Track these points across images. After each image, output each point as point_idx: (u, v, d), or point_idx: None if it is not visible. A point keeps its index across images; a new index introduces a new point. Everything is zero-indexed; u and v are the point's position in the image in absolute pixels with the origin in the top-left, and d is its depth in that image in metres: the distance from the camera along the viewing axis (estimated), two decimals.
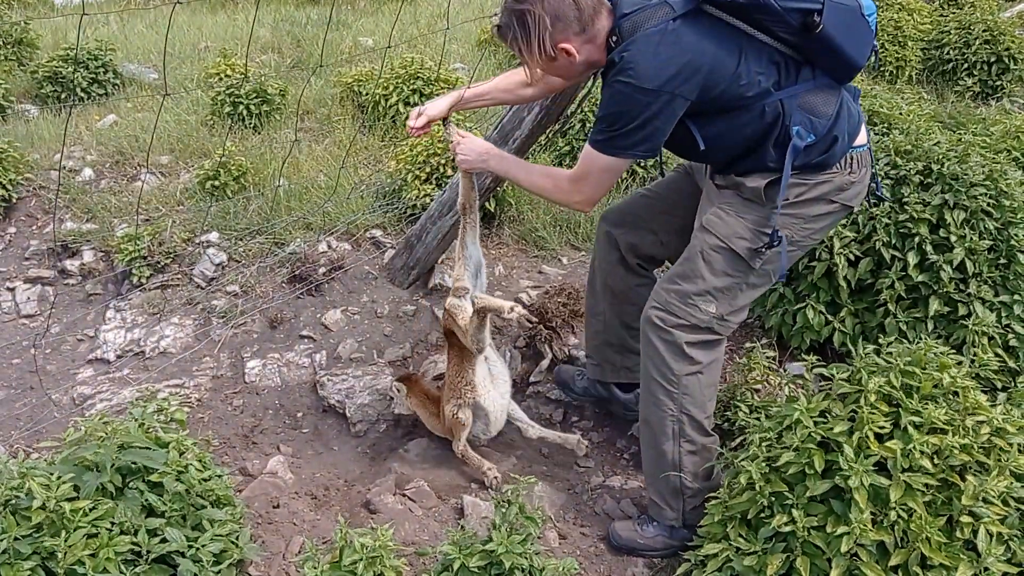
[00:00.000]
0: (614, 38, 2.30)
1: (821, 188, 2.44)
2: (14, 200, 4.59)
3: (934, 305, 3.11)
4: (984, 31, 6.29)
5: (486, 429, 3.10)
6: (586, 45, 2.34)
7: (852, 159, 2.45)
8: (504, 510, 2.22)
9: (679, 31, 2.22)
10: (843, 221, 3.28)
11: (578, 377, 3.28)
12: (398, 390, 3.25)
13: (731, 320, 2.54)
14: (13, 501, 2.01)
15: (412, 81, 5.24)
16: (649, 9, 2.27)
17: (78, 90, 5.83)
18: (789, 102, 2.32)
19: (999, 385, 2.99)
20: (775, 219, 2.40)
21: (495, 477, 3.00)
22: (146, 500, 2.12)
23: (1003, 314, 3.10)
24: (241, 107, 5.23)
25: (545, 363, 3.61)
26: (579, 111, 3.62)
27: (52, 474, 2.03)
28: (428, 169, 4.30)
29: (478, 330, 2.88)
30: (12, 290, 4.20)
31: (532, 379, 3.60)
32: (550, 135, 3.67)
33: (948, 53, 6.44)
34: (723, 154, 2.45)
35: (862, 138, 2.48)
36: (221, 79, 5.52)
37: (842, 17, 2.24)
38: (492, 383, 3.09)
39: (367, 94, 5.44)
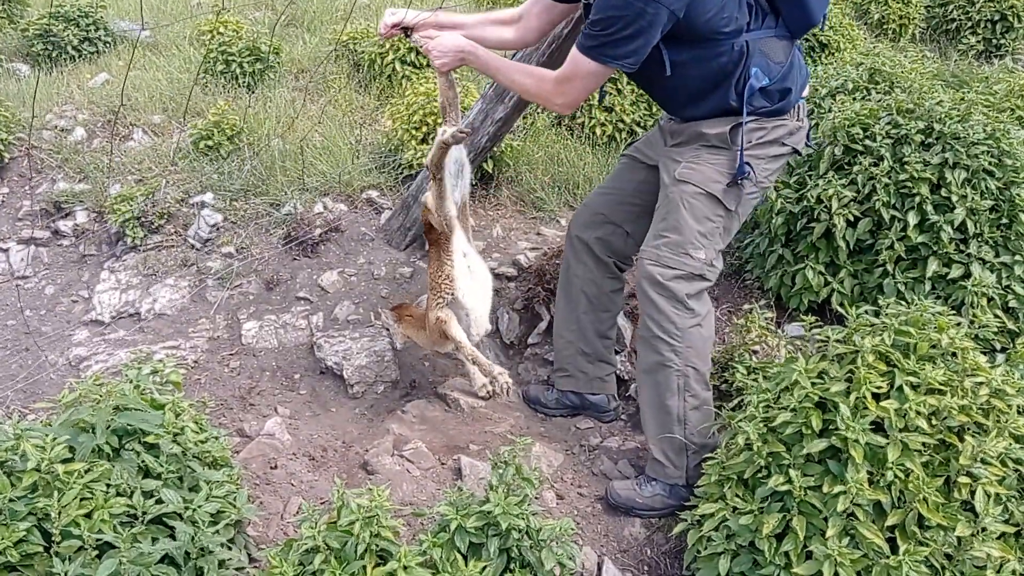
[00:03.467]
0: None
1: (777, 132, 2.62)
2: (6, 160, 4.54)
3: (933, 266, 3.10)
4: None
5: (468, 330, 3.09)
6: None
7: (799, 107, 2.66)
8: (501, 471, 2.22)
9: None
10: (843, 181, 3.25)
11: (547, 392, 3.27)
12: (386, 317, 3.32)
13: (716, 266, 2.65)
14: (8, 462, 2.00)
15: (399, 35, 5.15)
16: None
17: (69, 48, 5.72)
18: (753, 44, 2.48)
19: (998, 346, 2.99)
20: (742, 156, 2.56)
21: (506, 382, 3.02)
22: (142, 462, 2.11)
23: (1003, 275, 3.09)
24: (234, 65, 5.15)
25: (543, 325, 3.60)
26: None
27: (47, 436, 2.02)
28: (424, 129, 4.24)
29: (439, 198, 2.88)
30: (6, 251, 4.17)
31: (530, 341, 3.59)
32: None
33: (951, 11, 6.34)
34: (686, 86, 2.55)
35: (807, 91, 2.71)
36: (213, 36, 5.42)
37: None
38: (472, 278, 3.07)
39: (363, 52, 5.35)
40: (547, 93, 2.61)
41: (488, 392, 3.21)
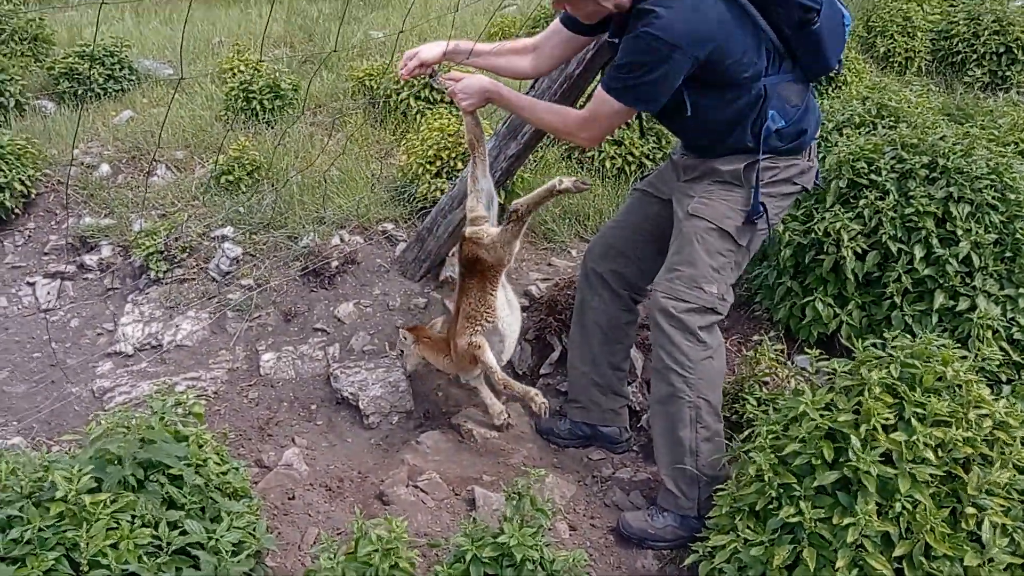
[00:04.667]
0: None
1: (790, 171, 2.70)
2: (33, 196, 4.66)
3: (939, 298, 3.14)
4: (993, 22, 6.27)
5: (499, 357, 3.19)
6: None
7: (811, 148, 2.76)
8: (515, 502, 2.27)
9: (707, 0, 2.40)
10: (849, 215, 3.31)
11: (559, 422, 3.32)
12: (404, 338, 3.37)
13: (728, 299, 2.71)
14: (36, 493, 2.07)
15: (422, 75, 5.27)
16: None
17: (94, 86, 5.88)
18: (771, 88, 2.55)
19: (1004, 378, 3.02)
20: (758, 195, 2.62)
21: (543, 403, 3.07)
22: (166, 493, 2.18)
23: (1008, 308, 3.12)
24: (255, 102, 5.28)
25: (555, 355, 3.66)
26: None
27: (74, 467, 2.09)
28: (439, 163, 4.34)
29: (514, 238, 2.99)
30: (32, 284, 4.27)
31: (542, 371, 3.65)
32: None
33: (957, 44, 6.41)
34: (705, 127, 2.63)
35: (818, 131, 2.84)
36: (235, 74, 5.56)
37: (831, 21, 2.52)
38: (509, 309, 3.19)
39: (378, 88, 5.47)
40: (573, 129, 2.71)
41: (505, 422, 3.27)
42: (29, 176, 4.61)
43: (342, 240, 4.25)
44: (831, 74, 3.29)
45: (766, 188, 2.65)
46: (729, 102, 2.55)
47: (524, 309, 3.91)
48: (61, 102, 5.92)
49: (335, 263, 4.09)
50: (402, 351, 3.48)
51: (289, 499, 2.90)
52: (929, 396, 2.21)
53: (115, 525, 2.03)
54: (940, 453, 2.14)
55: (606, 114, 2.58)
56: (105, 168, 4.83)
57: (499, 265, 3.06)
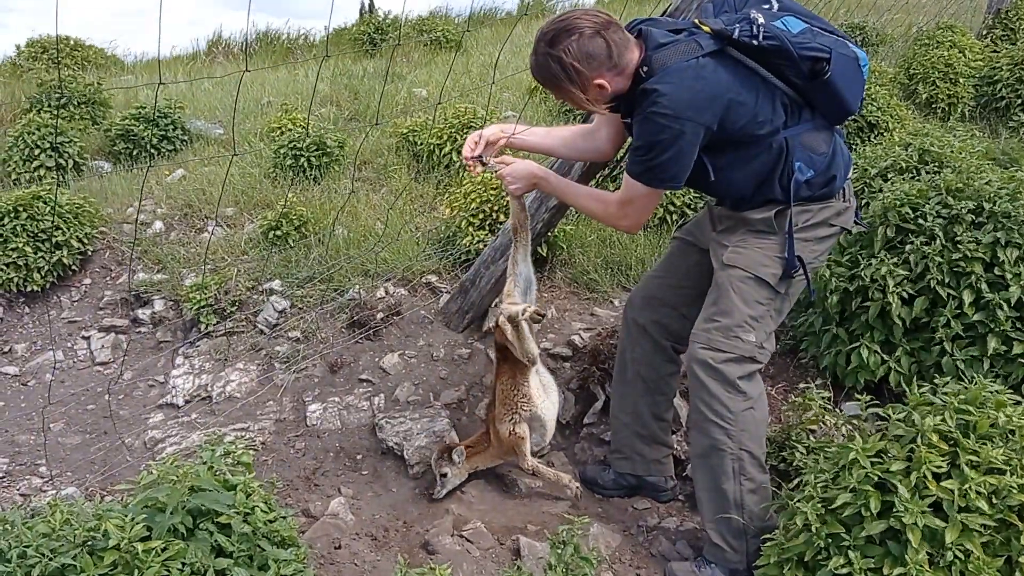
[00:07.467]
0: (645, 68, 2.45)
1: (824, 213, 2.67)
2: (89, 253, 4.83)
3: (992, 343, 3.08)
4: None
5: (541, 440, 3.20)
6: (616, 78, 2.49)
7: (845, 189, 2.72)
8: (560, 551, 2.26)
9: (708, 66, 2.41)
10: (895, 260, 3.28)
11: (604, 472, 3.30)
12: (458, 457, 3.17)
13: (767, 348, 2.67)
14: (90, 542, 2.11)
15: (465, 131, 5.39)
16: (679, 44, 2.44)
17: (148, 147, 6.11)
18: (793, 140, 2.52)
19: None
20: (792, 245, 2.59)
21: (577, 487, 3.12)
22: (215, 541, 2.20)
23: None
24: (302, 159, 5.44)
25: (598, 405, 3.65)
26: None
27: (126, 516, 2.13)
28: (481, 216, 4.41)
29: (520, 340, 3.00)
30: (87, 338, 4.41)
31: (586, 421, 3.64)
32: (600, 181, 3.75)
33: (1001, 90, 6.36)
34: (731, 186, 2.62)
35: (851, 172, 2.76)
36: (283, 133, 5.74)
37: (844, 66, 2.47)
38: (545, 393, 3.19)
39: (422, 144, 5.60)
40: (612, 217, 2.74)
41: (576, 493, 3.15)
42: (86, 234, 4.79)
43: (387, 292, 4.32)
44: (865, 111, 3.24)
45: (801, 233, 2.63)
46: (750, 160, 2.54)
47: (567, 359, 3.92)
48: (117, 162, 6.15)
49: (380, 315, 4.15)
50: (444, 473, 3.19)
51: (335, 548, 2.91)
52: (983, 443, 2.16)
53: (166, 572, 2.06)
54: (994, 501, 2.09)
55: (637, 197, 2.60)
56: (158, 225, 5.00)
57: (529, 364, 3.09)
